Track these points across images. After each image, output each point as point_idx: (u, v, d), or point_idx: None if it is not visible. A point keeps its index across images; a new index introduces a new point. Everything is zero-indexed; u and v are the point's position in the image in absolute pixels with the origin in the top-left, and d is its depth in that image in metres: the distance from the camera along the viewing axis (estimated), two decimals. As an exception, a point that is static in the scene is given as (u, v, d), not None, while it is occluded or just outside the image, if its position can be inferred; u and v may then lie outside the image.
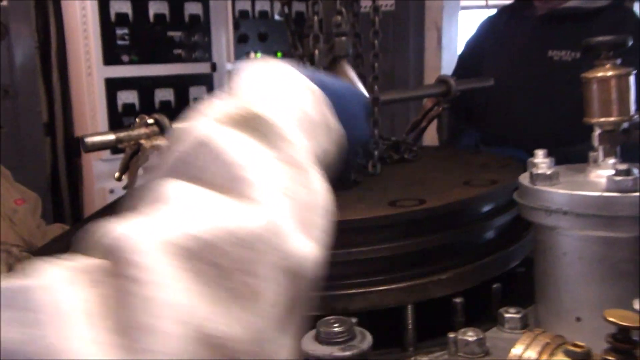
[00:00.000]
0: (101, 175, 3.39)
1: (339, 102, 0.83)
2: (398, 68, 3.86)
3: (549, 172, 1.07)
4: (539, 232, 1.12)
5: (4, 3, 3.32)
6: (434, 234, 1.26)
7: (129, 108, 3.42)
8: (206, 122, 0.68)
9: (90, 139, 1.38)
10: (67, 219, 3.66)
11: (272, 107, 0.72)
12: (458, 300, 1.23)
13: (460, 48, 4.05)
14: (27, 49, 3.47)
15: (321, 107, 0.79)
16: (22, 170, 3.44)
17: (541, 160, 1.13)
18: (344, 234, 1.24)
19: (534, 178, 1.08)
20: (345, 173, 0.90)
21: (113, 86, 3.37)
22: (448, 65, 3.95)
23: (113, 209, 0.63)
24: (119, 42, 3.37)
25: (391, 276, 1.23)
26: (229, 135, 0.66)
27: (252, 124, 0.68)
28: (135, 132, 1.43)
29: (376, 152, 1.65)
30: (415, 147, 1.81)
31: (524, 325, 1.15)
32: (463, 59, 2.71)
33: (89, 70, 3.32)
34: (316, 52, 1.55)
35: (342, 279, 1.23)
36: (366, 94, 1.08)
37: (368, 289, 1.21)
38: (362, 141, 0.95)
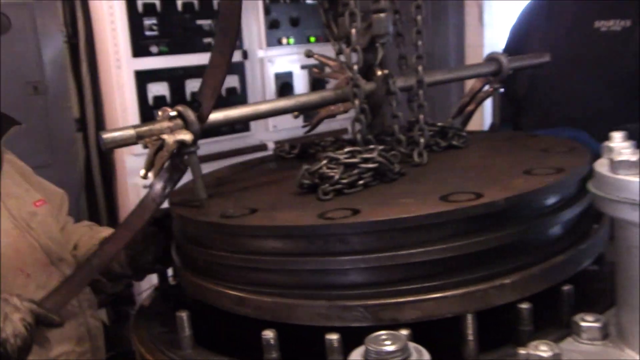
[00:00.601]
0: (134, 170, 3.30)
1: None
2: (437, 47, 3.68)
3: (634, 159, 0.90)
4: (621, 228, 0.96)
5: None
6: (494, 233, 1.10)
7: (160, 100, 3.31)
8: None
9: (108, 136, 1.26)
10: (102, 216, 3.59)
11: None
12: (524, 306, 1.08)
13: (504, 24, 3.86)
14: (56, 44, 3.39)
15: None
16: (54, 168, 3.37)
17: (620, 144, 0.97)
18: (390, 234, 1.10)
19: (616, 166, 0.92)
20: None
21: (143, 78, 3.27)
22: (491, 43, 3.75)
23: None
24: (148, 33, 3.26)
25: (447, 281, 1.08)
26: None
27: None
28: (157, 126, 1.30)
29: (422, 140, 1.50)
30: (464, 132, 1.65)
31: (605, 335, 1.00)
32: (511, 39, 2.55)
33: (118, 63, 3.23)
34: (353, 31, 1.40)
35: (389, 285, 1.09)
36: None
37: (420, 297, 1.07)
38: None
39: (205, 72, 1.43)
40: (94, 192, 3.58)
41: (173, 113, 1.33)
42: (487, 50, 3.66)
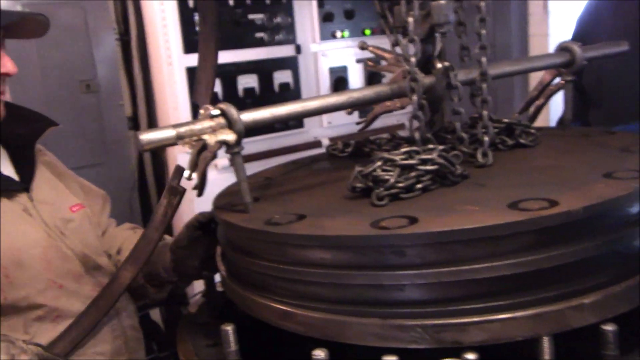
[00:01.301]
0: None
1: None
2: (499, 37, 3.50)
3: None
4: None
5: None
6: (571, 246, 0.97)
7: (212, 97, 3.25)
8: None
9: (146, 137, 1.18)
10: (154, 215, 3.55)
11: None
12: (609, 328, 0.94)
13: (571, 13, 3.67)
14: (108, 41, 3.37)
15: None
16: (106, 167, 3.36)
17: None
18: (453, 246, 0.98)
19: None
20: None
21: (194, 75, 3.20)
22: (556, 33, 3.55)
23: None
24: (199, 29, 3.20)
25: (517, 300, 0.96)
26: None
27: None
28: (198, 126, 1.21)
29: (486, 138, 1.36)
30: (533, 129, 1.50)
31: None
32: (578, 29, 2.38)
33: (169, 59, 3.17)
34: (410, 20, 1.28)
35: (452, 304, 0.97)
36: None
37: (487, 317, 0.95)
38: None
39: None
40: (147, 191, 3.55)
41: (215, 111, 1.24)
42: (552, 40, 3.48)
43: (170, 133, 1.19)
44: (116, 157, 3.44)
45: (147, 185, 3.56)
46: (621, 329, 0.94)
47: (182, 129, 1.20)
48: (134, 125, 3.53)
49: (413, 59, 1.31)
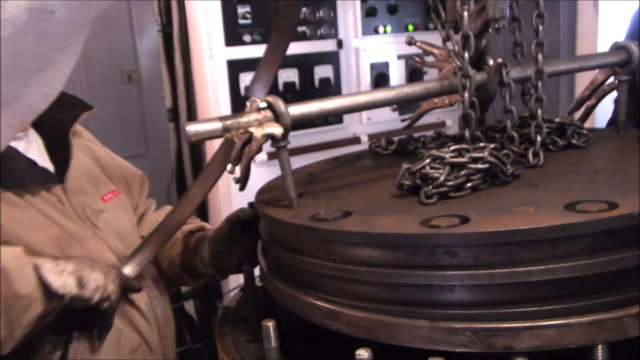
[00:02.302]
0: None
1: None
2: (547, 35, 3.43)
3: None
4: None
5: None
6: (631, 250, 0.93)
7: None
8: None
9: (193, 128, 1.17)
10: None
11: None
12: (667, 340, 0.91)
13: (621, 12, 3.57)
14: (150, 33, 3.38)
15: None
16: (147, 158, 3.38)
17: None
18: (507, 247, 0.94)
19: None
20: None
21: (235, 68, 3.20)
22: (605, 33, 3.46)
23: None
24: (241, 22, 3.19)
25: (573, 305, 0.92)
26: None
27: None
28: (244, 119, 1.20)
29: (539, 138, 1.33)
30: (585, 130, 1.46)
31: None
32: (632, 28, 2.31)
33: (211, 52, 3.17)
34: (465, 15, 1.25)
35: (504, 307, 0.94)
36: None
37: (541, 322, 0.92)
38: None
39: (258, 67, 1.36)
40: (185, 183, 3.57)
41: (262, 104, 1.22)
42: (601, 39, 3.39)
43: (216, 125, 1.18)
44: (156, 149, 3.46)
45: (184, 178, 3.58)
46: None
47: (229, 121, 1.19)
48: (174, 117, 3.55)
49: (466, 55, 1.28)
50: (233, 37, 3.18)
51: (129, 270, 1.47)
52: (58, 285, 1.27)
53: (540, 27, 1.30)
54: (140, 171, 1.86)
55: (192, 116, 3.44)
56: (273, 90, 3.20)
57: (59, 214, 1.51)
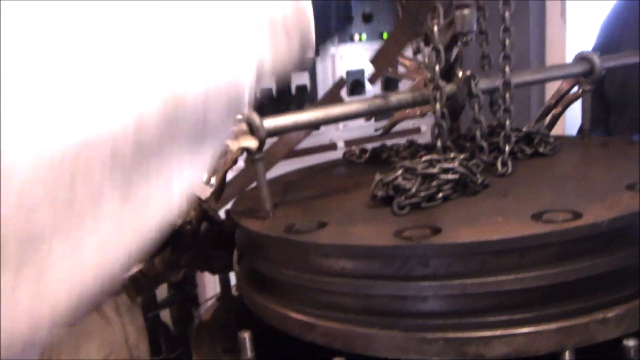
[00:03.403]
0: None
1: None
2: (516, 42, 3.50)
3: None
4: None
5: None
6: (597, 258, 0.97)
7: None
8: None
9: (169, 142, 1.18)
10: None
11: None
12: (631, 343, 0.94)
13: (588, 19, 3.66)
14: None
15: None
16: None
17: None
18: (478, 257, 0.97)
19: None
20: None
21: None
22: (574, 39, 3.54)
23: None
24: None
25: (541, 313, 0.96)
26: None
27: None
28: (220, 132, 1.22)
29: (507, 147, 1.36)
30: (552, 138, 1.50)
31: None
32: (602, 37, 2.37)
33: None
34: (434, 29, 1.28)
35: (476, 316, 0.97)
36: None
37: (511, 330, 0.95)
38: None
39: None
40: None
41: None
42: (569, 46, 3.47)
43: (192, 139, 1.20)
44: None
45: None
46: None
47: (205, 135, 1.20)
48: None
49: (437, 68, 1.31)
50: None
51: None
52: None
53: (507, 41, 1.33)
54: None
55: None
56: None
57: None
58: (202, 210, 1.38)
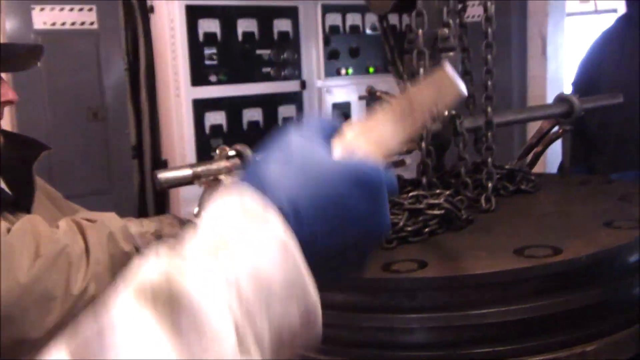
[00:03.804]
0: (188, 199, 3.29)
1: (347, 197, 0.63)
2: (499, 79, 3.59)
3: None
4: None
5: (94, 26, 3.30)
6: (576, 293, 1.01)
7: (216, 129, 3.31)
8: (122, 298, 0.55)
9: (163, 175, 1.23)
10: (154, 244, 3.58)
11: (204, 279, 0.55)
12: (608, 376, 0.99)
13: (566, 57, 3.78)
14: (117, 71, 3.44)
15: (291, 266, 0.59)
16: (111, 195, 3.40)
17: None
18: (460, 291, 1.02)
19: None
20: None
21: (201, 107, 3.28)
22: (554, 76, 3.67)
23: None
24: (207, 62, 3.28)
25: (522, 346, 1.00)
26: (135, 322, 0.53)
27: (169, 304, 0.54)
28: (214, 166, 1.26)
29: (490, 184, 1.41)
30: (533, 175, 1.56)
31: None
32: (580, 75, 2.46)
33: (177, 91, 3.24)
34: (421, 70, 1.34)
35: (458, 347, 1.01)
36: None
37: (492, 361, 0.99)
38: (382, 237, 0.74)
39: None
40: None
41: (232, 152, 1.29)
42: (549, 82, 3.57)
43: (187, 172, 1.24)
44: (120, 185, 3.49)
45: (147, 214, 3.60)
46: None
47: (199, 169, 1.25)
48: (138, 153, 3.58)
49: (423, 107, 1.36)
50: (199, 77, 3.25)
51: None
52: None
53: (489, 82, 1.40)
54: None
55: (156, 153, 3.48)
56: (238, 128, 3.29)
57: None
58: None
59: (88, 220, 1.35)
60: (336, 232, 0.63)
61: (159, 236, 1.55)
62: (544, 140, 1.70)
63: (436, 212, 1.24)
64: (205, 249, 0.58)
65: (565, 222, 1.25)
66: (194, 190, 2.70)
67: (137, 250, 1.36)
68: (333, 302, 1.09)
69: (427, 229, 1.23)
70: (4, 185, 1.61)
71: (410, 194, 1.27)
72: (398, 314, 1.03)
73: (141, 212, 3.61)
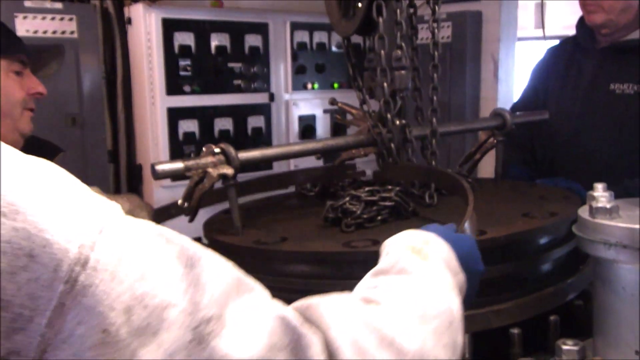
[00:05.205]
0: (162, 201, 3.48)
1: (463, 255, 1.02)
2: (454, 99, 3.88)
3: (609, 206, 1.08)
4: (598, 265, 1.14)
5: (75, 35, 3.47)
6: (494, 265, 1.28)
7: (189, 137, 3.52)
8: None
9: (160, 167, 1.45)
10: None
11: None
12: (515, 331, 1.25)
13: (516, 80, 4.06)
14: (95, 79, 3.61)
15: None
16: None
17: (601, 194, 1.15)
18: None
19: (594, 211, 1.10)
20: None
21: (175, 115, 3.48)
22: (504, 97, 3.94)
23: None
24: (182, 73, 3.48)
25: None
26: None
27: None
28: (202, 161, 1.49)
29: (433, 184, 1.68)
30: (471, 178, 1.83)
31: (582, 357, 1.16)
32: (527, 93, 2.67)
33: (153, 100, 3.44)
34: (385, 84, 1.60)
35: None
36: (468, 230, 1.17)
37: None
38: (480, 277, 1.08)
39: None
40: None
41: (217, 150, 1.52)
42: (500, 103, 3.86)
43: (179, 165, 1.47)
44: (98, 189, 3.64)
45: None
46: (527, 335, 1.25)
47: (190, 163, 1.48)
48: (114, 158, 3.77)
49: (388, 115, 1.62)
50: (174, 86, 3.46)
51: None
52: None
53: (435, 97, 1.66)
54: None
55: (131, 158, 3.68)
56: (209, 136, 3.49)
57: None
58: None
59: None
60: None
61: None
62: (481, 149, 1.96)
63: (387, 203, 1.50)
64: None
65: (491, 214, 1.51)
66: (168, 193, 2.95)
67: None
68: (302, 272, 1.34)
69: (379, 217, 1.48)
70: None
71: (366, 189, 1.52)
72: (354, 280, 1.27)
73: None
